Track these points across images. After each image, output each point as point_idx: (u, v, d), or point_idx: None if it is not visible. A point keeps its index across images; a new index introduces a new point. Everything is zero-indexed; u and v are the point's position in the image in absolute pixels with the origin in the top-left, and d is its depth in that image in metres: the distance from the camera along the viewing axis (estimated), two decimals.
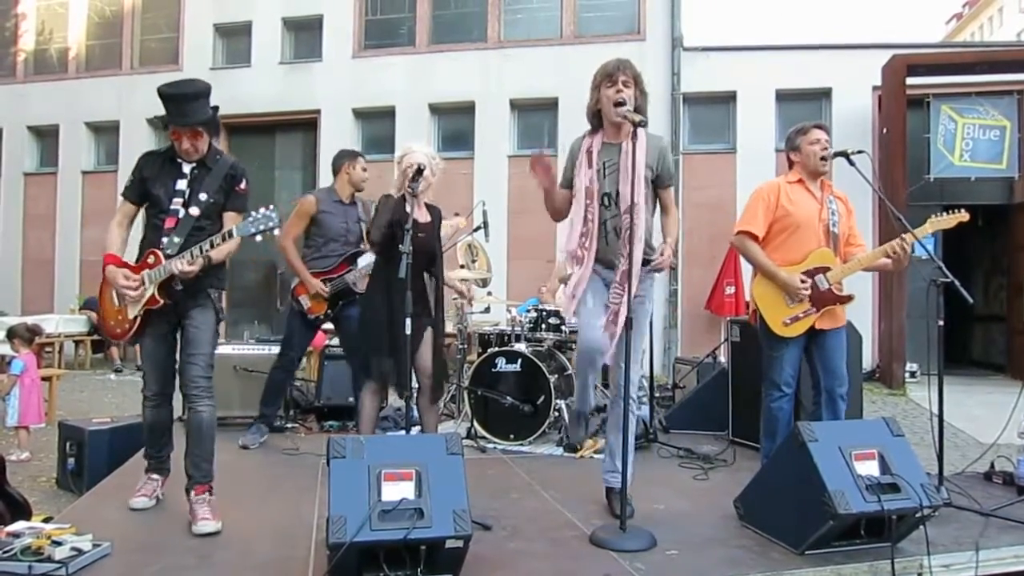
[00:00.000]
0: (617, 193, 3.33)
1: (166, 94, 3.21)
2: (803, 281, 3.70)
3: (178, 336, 3.32)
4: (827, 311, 3.76)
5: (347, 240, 4.96)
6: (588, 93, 3.45)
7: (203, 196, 3.22)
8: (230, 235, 3.13)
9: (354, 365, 5.02)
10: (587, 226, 3.38)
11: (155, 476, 3.44)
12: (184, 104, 3.20)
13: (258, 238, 3.15)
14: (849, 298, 3.79)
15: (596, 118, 3.45)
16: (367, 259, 4.79)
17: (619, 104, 3.26)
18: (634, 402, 3.32)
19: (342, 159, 5.10)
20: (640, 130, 3.19)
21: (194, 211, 3.21)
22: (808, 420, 3.63)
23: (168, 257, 3.11)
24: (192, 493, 3.18)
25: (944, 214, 3.72)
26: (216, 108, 3.31)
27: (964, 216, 3.71)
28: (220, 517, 3.13)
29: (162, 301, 3.16)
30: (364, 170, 5.09)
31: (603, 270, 3.42)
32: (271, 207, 3.15)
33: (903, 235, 3.67)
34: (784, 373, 3.78)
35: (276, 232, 3.20)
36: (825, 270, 3.75)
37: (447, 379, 4.45)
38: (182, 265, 3.06)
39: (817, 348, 3.83)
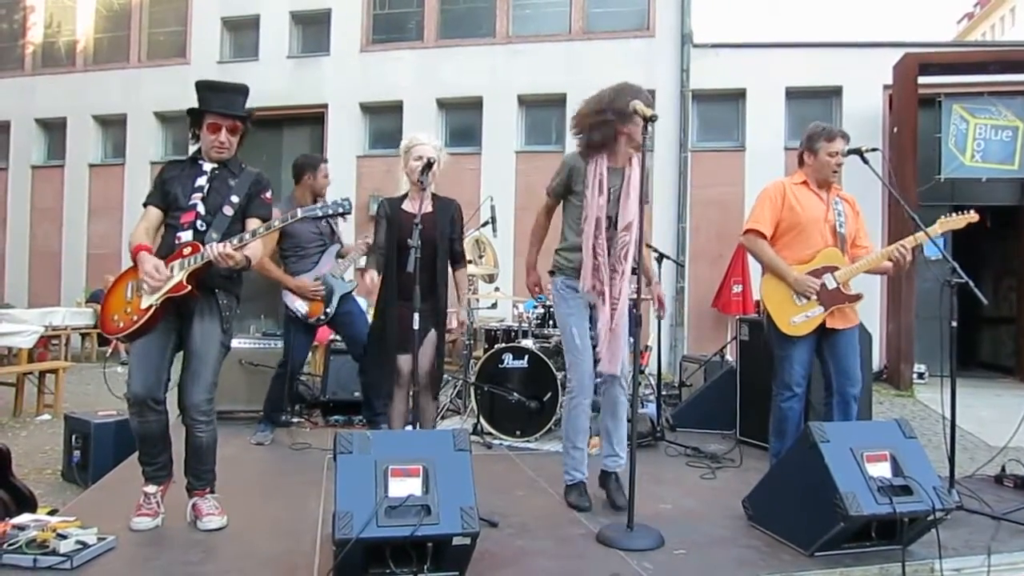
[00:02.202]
0: (617, 216, 3.44)
1: (212, 85, 3.16)
2: (812, 282, 3.68)
3: (172, 342, 3.12)
4: (837, 310, 3.73)
5: (322, 243, 4.91)
6: (596, 91, 3.45)
7: (234, 198, 3.12)
8: (292, 216, 3.04)
9: (361, 360, 5.01)
10: (598, 259, 3.42)
11: (152, 489, 3.10)
12: (232, 95, 3.16)
13: (324, 223, 3.08)
14: (858, 297, 3.76)
15: (608, 141, 3.45)
16: (335, 247, 4.91)
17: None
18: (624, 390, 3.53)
19: (303, 169, 4.95)
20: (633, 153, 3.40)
21: (228, 211, 3.10)
22: (818, 421, 3.61)
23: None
24: (193, 494, 3.16)
25: (954, 214, 3.69)
26: (251, 113, 3.23)
27: (974, 217, 3.68)
28: (224, 513, 3.12)
29: (188, 288, 2.93)
30: (326, 176, 4.96)
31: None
32: (344, 197, 3.08)
33: (903, 241, 3.66)
34: (795, 373, 3.75)
35: (346, 217, 3.15)
36: (833, 269, 3.72)
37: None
38: (223, 248, 2.90)
39: (829, 348, 3.80)
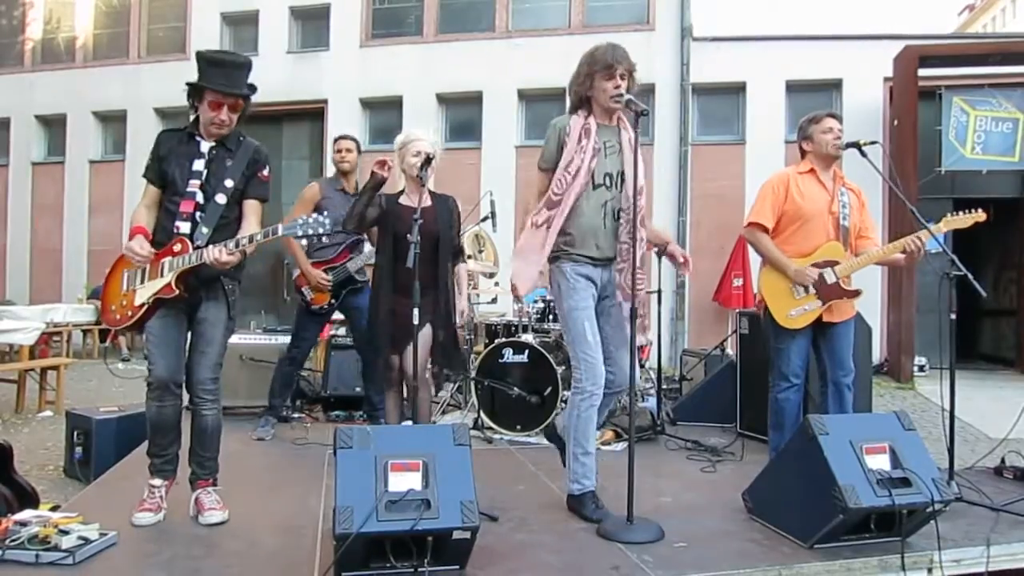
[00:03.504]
0: (619, 174, 3.29)
1: (214, 59, 3.06)
2: (811, 273, 3.69)
3: (185, 325, 3.15)
4: (834, 304, 3.74)
5: (345, 235, 4.84)
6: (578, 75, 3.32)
7: (228, 183, 3.05)
8: (273, 232, 2.93)
9: (365, 357, 5.02)
10: (565, 205, 3.20)
11: (158, 483, 3.12)
12: (234, 71, 3.05)
13: (303, 242, 3.02)
14: (856, 293, 3.78)
15: (585, 103, 3.32)
16: (370, 247, 4.80)
17: (618, 99, 3.20)
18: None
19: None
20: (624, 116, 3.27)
21: (220, 199, 3.04)
22: (817, 412, 3.62)
23: (198, 248, 2.95)
24: (196, 485, 3.18)
25: (960, 213, 3.67)
26: (255, 88, 3.13)
27: (980, 216, 3.67)
28: (226, 508, 3.13)
29: (177, 291, 2.92)
30: (338, 151, 5.00)
31: (593, 269, 3.30)
32: (324, 213, 2.96)
33: (918, 233, 3.63)
34: (792, 364, 3.77)
35: (324, 239, 3.06)
36: (834, 264, 3.73)
37: (461, 369, 4.41)
38: (219, 254, 2.87)
39: (824, 340, 3.82)
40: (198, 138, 3.11)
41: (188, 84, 3.09)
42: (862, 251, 3.84)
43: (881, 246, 3.86)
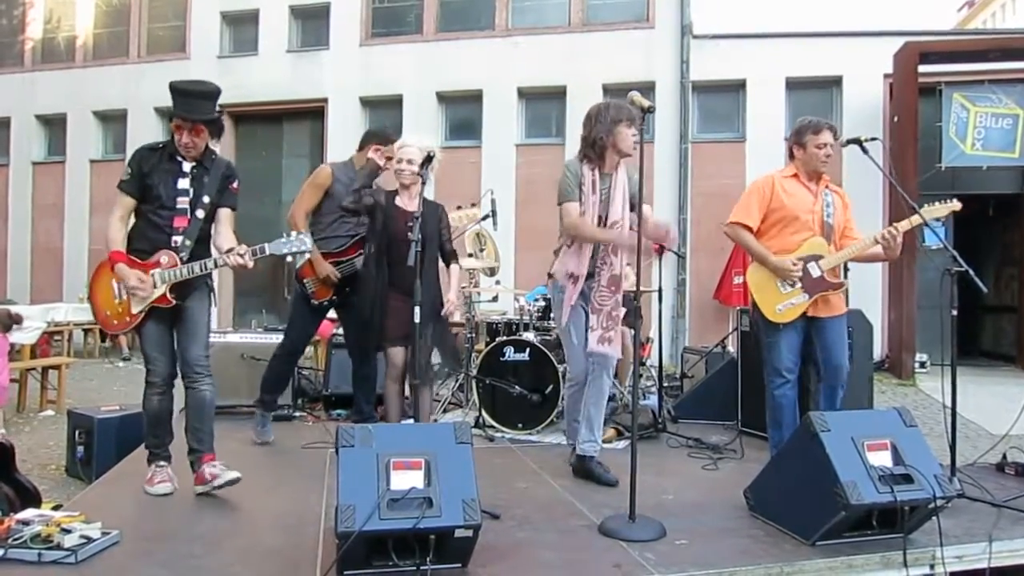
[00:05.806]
0: (607, 215, 3.74)
1: (177, 88, 3.35)
2: (794, 264, 3.73)
3: (171, 322, 3.43)
4: (821, 298, 3.79)
5: (359, 221, 4.49)
6: (594, 100, 3.73)
7: (206, 199, 3.37)
8: (261, 251, 3.27)
9: (354, 356, 4.96)
10: (586, 249, 3.76)
11: (163, 463, 3.47)
12: (192, 100, 3.34)
13: (288, 259, 3.35)
14: (841, 285, 3.83)
15: (599, 149, 3.70)
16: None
17: (635, 146, 3.61)
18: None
19: (370, 139, 4.70)
20: (622, 161, 3.75)
21: (200, 214, 3.35)
22: (815, 408, 3.64)
23: (182, 260, 3.27)
24: (201, 460, 3.32)
25: (936, 203, 3.77)
26: (221, 112, 3.45)
27: (956, 205, 3.78)
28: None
29: (173, 301, 3.28)
30: (389, 159, 4.45)
31: (585, 283, 3.81)
32: (307, 233, 3.38)
33: (894, 224, 3.72)
34: (784, 359, 3.80)
35: (308, 256, 3.37)
36: (818, 258, 3.77)
37: (453, 360, 4.48)
38: (245, 260, 3.23)
39: (818, 338, 3.86)
40: (179, 158, 3.37)
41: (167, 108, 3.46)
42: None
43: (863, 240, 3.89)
